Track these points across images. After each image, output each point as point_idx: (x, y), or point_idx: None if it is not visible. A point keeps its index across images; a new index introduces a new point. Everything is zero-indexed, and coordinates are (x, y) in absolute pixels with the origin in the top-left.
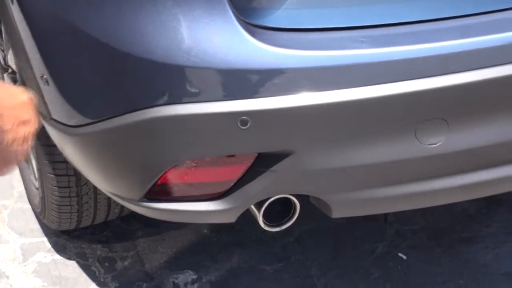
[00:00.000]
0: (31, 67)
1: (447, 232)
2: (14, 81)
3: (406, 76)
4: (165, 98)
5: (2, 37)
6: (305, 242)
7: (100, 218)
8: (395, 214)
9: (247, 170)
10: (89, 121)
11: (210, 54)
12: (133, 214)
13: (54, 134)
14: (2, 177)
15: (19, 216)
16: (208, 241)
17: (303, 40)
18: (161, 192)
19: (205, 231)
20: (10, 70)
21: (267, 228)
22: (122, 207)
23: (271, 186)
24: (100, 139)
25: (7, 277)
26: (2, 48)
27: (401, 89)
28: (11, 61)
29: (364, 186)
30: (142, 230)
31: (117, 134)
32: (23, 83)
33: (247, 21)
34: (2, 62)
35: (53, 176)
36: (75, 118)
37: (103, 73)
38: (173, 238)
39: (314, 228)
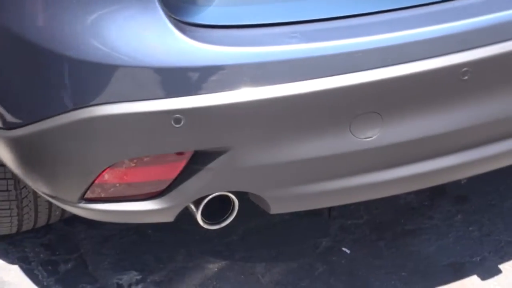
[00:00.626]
0: None
1: (390, 225)
2: None
3: (339, 70)
4: (98, 97)
5: None
6: (249, 240)
7: (41, 222)
8: (339, 208)
9: (183, 169)
10: (22, 123)
11: (141, 53)
12: (77, 217)
13: None
14: None
15: None
16: (152, 241)
17: (235, 36)
18: (98, 193)
19: (149, 231)
20: None
21: (206, 226)
22: (64, 209)
23: (208, 184)
24: (33, 141)
25: None
26: None
27: (335, 83)
28: None
29: (301, 181)
30: (86, 232)
31: (51, 135)
32: None
33: (178, 18)
34: None
35: None
36: (7, 120)
37: (33, 74)
38: (117, 239)
39: (258, 225)
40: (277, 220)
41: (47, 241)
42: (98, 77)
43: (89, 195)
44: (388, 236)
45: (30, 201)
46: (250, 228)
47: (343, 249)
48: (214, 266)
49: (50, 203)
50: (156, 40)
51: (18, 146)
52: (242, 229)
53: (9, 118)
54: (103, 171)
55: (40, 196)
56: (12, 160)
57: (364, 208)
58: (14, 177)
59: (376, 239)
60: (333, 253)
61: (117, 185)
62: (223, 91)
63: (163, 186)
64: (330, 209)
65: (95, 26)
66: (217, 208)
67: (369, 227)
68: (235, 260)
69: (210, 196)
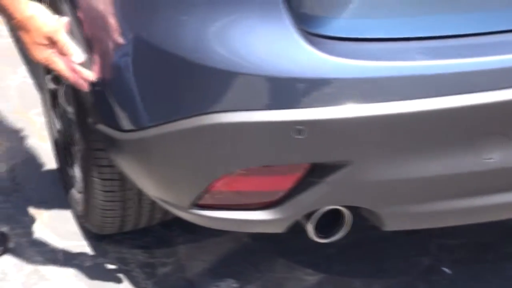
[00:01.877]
0: None
1: (492, 247)
2: (57, 82)
3: (468, 89)
4: (219, 105)
5: None
6: (348, 253)
7: (142, 223)
8: (441, 228)
9: (299, 180)
10: (142, 126)
11: (267, 62)
12: (174, 220)
13: (103, 138)
14: (42, 178)
15: (60, 219)
16: (249, 250)
17: (362, 50)
18: (211, 200)
19: (246, 239)
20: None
21: (317, 239)
22: (165, 212)
23: (324, 197)
24: (152, 145)
25: (48, 280)
26: None
27: (463, 102)
28: None
29: (419, 199)
30: (183, 236)
31: (171, 140)
32: (71, 87)
33: (306, 29)
34: None
35: (98, 180)
36: (126, 123)
37: (158, 79)
38: (214, 245)
39: (357, 239)
40: (376, 235)
41: (145, 243)
42: (221, 84)
43: (201, 201)
44: (489, 258)
45: (134, 203)
46: (349, 241)
47: (444, 269)
48: (312, 279)
49: (153, 206)
50: (283, 50)
51: (135, 149)
52: (341, 242)
53: (129, 120)
54: (218, 179)
55: (144, 198)
56: (126, 162)
57: (465, 228)
58: (121, 178)
59: (478, 260)
60: (433, 273)
61: (230, 193)
62: (348, 104)
63: (277, 197)
64: (430, 228)
65: (221, 33)
66: (326, 221)
67: (470, 248)
68: (333, 274)
69: (324, 209)
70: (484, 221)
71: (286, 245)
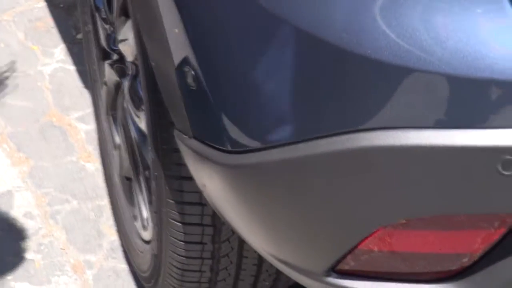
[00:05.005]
0: (169, 56)
1: None
2: (120, 73)
3: None
4: (389, 119)
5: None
6: None
7: None
8: None
9: (499, 240)
10: (259, 145)
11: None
12: None
13: (193, 162)
14: (86, 220)
15: (111, 281)
16: None
17: None
18: (358, 264)
19: None
20: (115, 57)
21: None
22: (278, 279)
23: None
24: (272, 175)
25: None
26: (107, 21)
27: None
28: (124, 44)
29: None
30: None
31: (302, 169)
32: (148, 79)
33: None
34: (104, 44)
35: (180, 224)
36: (236, 140)
37: (296, 74)
38: None
39: None
40: None
41: None
42: (395, 88)
43: (342, 265)
44: None
45: (231, 263)
46: None
47: None
48: None
49: (260, 269)
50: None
51: (245, 180)
52: None
53: (239, 136)
54: (373, 232)
55: (247, 256)
56: (228, 200)
57: None
58: (215, 223)
59: None
60: None
61: (388, 254)
62: None
63: (461, 264)
64: None
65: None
66: None
67: None
68: None
69: None
70: None
71: None
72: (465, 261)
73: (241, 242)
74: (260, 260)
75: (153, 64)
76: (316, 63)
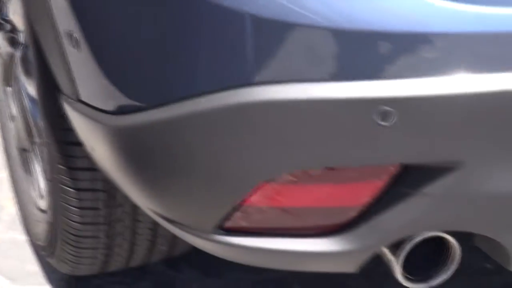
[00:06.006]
0: (52, 22)
1: None
2: (13, 43)
3: None
4: (262, 73)
5: None
6: None
7: (137, 260)
8: None
9: (383, 192)
10: (142, 105)
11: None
12: (187, 257)
13: (81, 125)
14: None
15: (10, 252)
16: None
17: None
18: (244, 220)
19: (296, 286)
20: (8, 28)
21: (407, 284)
22: (174, 243)
23: (419, 218)
24: (156, 135)
25: None
26: None
27: None
28: (13, 13)
29: None
30: (200, 281)
31: (184, 127)
32: (34, 45)
33: None
34: None
35: (73, 191)
36: (120, 101)
37: (170, 32)
38: None
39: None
40: (497, 283)
41: None
42: (272, 42)
43: (229, 222)
44: None
45: (127, 228)
46: None
47: None
48: None
49: (155, 233)
50: None
51: (131, 141)
52: None
53: (123, 97)
54: (255, 188)
55: (142, 221)
56: (116, 162)
57: None
58: (108, 189)
59: None
60: None
61: (276, 210)
62: (462, 73)
63: (347, 217)
64: None
65: None
66: (422, 256)
67: None
68: None
69: (419, 238)
70: None
71: None
72: (352, 215)
73: (135, 206)
74: (155, 224)
75: (38, 29)
76: (190, 20)
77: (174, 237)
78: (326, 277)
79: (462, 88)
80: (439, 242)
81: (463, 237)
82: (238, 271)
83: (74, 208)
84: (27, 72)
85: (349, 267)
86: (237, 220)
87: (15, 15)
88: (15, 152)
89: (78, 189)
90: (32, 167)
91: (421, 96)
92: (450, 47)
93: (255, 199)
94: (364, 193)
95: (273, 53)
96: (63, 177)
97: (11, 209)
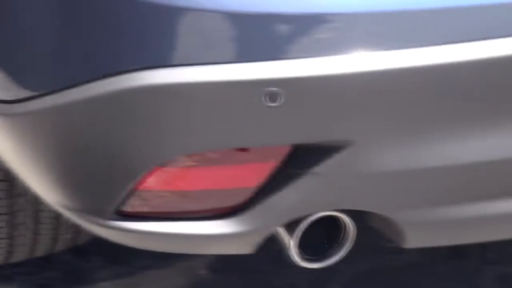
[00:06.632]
0: None
1: None
2: None
3: None
4: (150, 58)
5: None
6: None
7: (42, 249)
8: (497, 251)
9: (274, 172)
10: (34, 93)
11: None
12: (94, 245)
13: None
14: None
15: None
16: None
17: None
18: (140, 205)
19: (202, 271)
20: None
21: (303, 264)
22: (78, 231)
23: (311, 197)
24: (49, 121)
25: None
26: None
27: None
28: None
29: (453, 198)
30: (107, 269)
31: (75, 113)
32: None
33: None
34: None
35: None
36: (12, 89)
37: (55, 19)
38: (153, 281)
39: (373, 269)
40: (401, 262)
41: (48, 280)
42: (150, 25)
43: (126, 207)
44: None
45: (28, 217)
46: (360, 271)
47: None
48: None
49: (58, 222)
50: None
51: (25, 129)
52: (349, 273)
53: (14, 86)
54: (149, 172)
55: (44, 210)
56: (12, 150)
57: None
58: (7, 179)
59: None
60: None
61: (170, 194)
62: (348, 53)
63: (240, 199)
64: (482, 250)
65: None
66: (318, 235)
67: None
68: None
69: (313, 217)
70: None
71: (261, 278)
72: (247, 196)
73: (37, 196)
74: (58, 213)
75: None
76: (75, 6)
77: (78, 226)
78: (235, 261)
79: (347, 68)
80: (335, 222)
81: (361, 217)
82: (146, 258)
83: None
84: None
85: (246, 248)
86: (135, 205)
87: None
88: None
89: None
90: None
91: (306, 76)
92: (335, 28)
93: (150, 183)
94: (258, 174)
95: (160, 37)
96: None
97: None
